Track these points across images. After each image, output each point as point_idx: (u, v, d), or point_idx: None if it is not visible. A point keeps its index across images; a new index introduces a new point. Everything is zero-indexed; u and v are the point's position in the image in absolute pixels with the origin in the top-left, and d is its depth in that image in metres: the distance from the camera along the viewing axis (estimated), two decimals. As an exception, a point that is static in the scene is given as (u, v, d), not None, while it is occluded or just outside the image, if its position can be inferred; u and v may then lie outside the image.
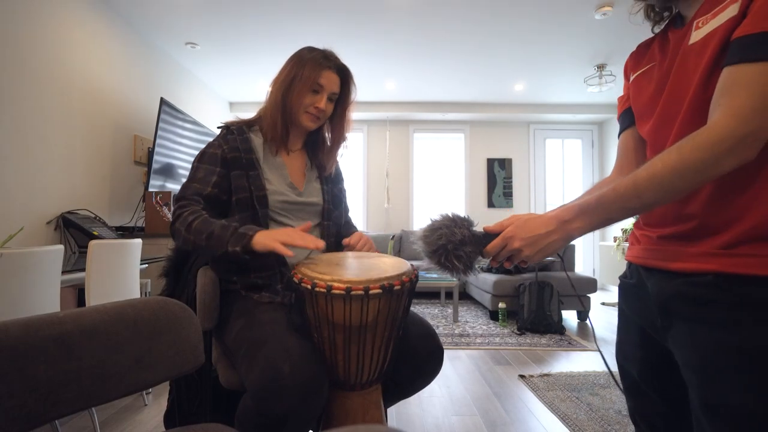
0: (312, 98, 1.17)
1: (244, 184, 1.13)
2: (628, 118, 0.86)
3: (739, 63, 0.59)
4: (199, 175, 1.13)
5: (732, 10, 0.62)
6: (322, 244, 0.99)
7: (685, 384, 0.69)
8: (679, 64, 0.70)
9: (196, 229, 1.02)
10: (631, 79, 0.85)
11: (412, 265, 1.02)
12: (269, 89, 1.20)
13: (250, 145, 1.18)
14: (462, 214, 0.81)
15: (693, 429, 0.68)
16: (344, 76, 1.22)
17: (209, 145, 1.18)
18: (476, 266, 0.81)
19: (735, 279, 0.62)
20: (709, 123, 0.61)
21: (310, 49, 1.20)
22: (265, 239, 0.96)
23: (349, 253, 1.16)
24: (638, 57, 0.85)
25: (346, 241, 1.22)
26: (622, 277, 0.87)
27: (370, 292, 0.87)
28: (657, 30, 0.82)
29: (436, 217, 0.82)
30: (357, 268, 0.99)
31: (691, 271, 0.67)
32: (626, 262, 0.87)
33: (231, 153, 1.15)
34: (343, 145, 1.30)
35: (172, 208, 1.12)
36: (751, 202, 0.62)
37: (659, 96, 0.74)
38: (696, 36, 0.68)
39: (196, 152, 4.06)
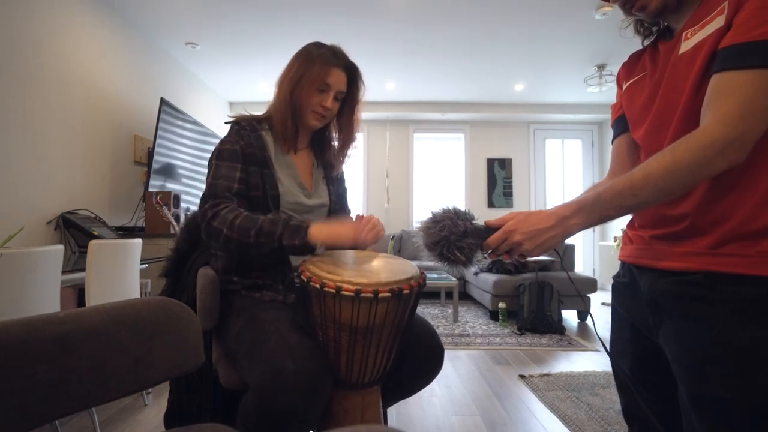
0: (319, 97, 1.14)
1: (258, 182, 1.11)
2: (621, 124, 0.90)
3: (726, 71, 0.63)
4: (222, 173, 1.09)
5: (718, 22, 0.66)
6: (381, 232, 1.06)
7: (674, 380, 0.71)
8: (670, 72, 0.74)
9: (240, 227, 0.99)
10: (624, 87, 0.89)
11: (419, 268, 1.02)
12: (276, 86, 1.18)
13: (262, 143, 1.16)
14: (462, 207, 0.82)
15: (683, 425, 0.70)
16: (352, 74, 1.20)
17: (224, 141, 1.15)
18: (475, 260, 0.81)
19: (723, 278, 0.65)
20: (701, 127, 0.64)
21: (318, 45, 1.17)
22: (322, 235, 0.99)
23: (357, 252, 1.15)
24: (630, 67, 0.89)
25: (358, 216, 1.22)
26: (616, 277, 0.90)
27: (380, 295, 0.87)
28: (647, 43, 0.86)
29: (437, 210, 0.82)
30: (366, 269, 0.98)
31: (678, 269, 0.70)
32: (619, 262, 0.90)
33: (248, 149, 1.13)
34: (352, 145, 1.29)
35: (203, 207, 1.07)
36: (737, 202, 0.66)
37: (652, 103, 0.77)
38: (685, 46, 0.72)
39: (196, 152, 4.08)
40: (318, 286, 0.90)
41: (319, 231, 0.99)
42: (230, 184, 1.08)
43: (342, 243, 1.01)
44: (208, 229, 1.04)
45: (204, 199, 1.08)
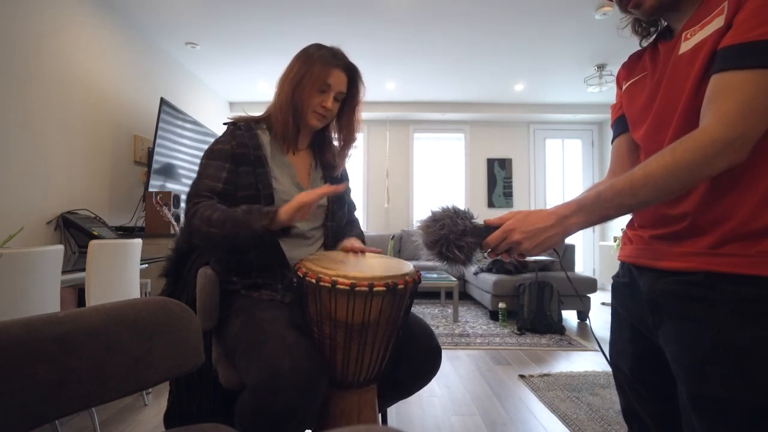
0: (320, 98, 1.16)
1: (250, 181, 1.12)
2: (621, 125, 0.90)
3: (726, 71, 0.63)
4: (210, 172, 1.12)
5: (718, 22, 0.66)
6: (341, 187, 1.08)
7: (674, 380, 0.71)
8: (670, 72, 0.74)
9: (217, 221, 1.02)
10: (624, 87, 0.89)
11: (415, 266, 1.03)
12: (277, 87, 1.19)
13: (258, 142, 1.17)
14: (462, 206, 0.82)
15: (682, 425, 0.70)
16: (352, 75, 1.21)
17: (217, 141, 1.17)
18: (474, 259, 0.81)
19: (723, 278, 0.65)
20: (701, 127, 0.64)
21: (319, 47, 1.19)
22: (287, 208, 0.99)
23: (352, 252, 1.16)
24: (630, 67, 0.89)
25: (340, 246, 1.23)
26: (615, 277, 0.90)
27: (375, 289, 0.88)
28: (645, 43, 0.86)
29: (437, 208, 0.82)
30: (361, 265, 0.99)
31: (678, 269, 0.70)
32: (619, 262, 0.90)
33: (239, 149, 1.14)
34: (352, 146, 1.30)
35: (186, 207, 1.11)
36: (737, 202, 0.65)
37: (652, 103, 0.77)
38: (685, 46, 0.72)
39: (196, 152, 4.08)
40: (314, 280, 0.90)
41: (285, 207, 1.00)
42: (215, 183, 1.11)
43: (306, 205, 0.99)
44: (189, 227, 1.07)
45: (188, 196, 1.11)
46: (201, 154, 4.21)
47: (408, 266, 1.01)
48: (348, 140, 1.28)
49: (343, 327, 0.92)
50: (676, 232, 0.72)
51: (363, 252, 1.17)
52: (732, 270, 0.64)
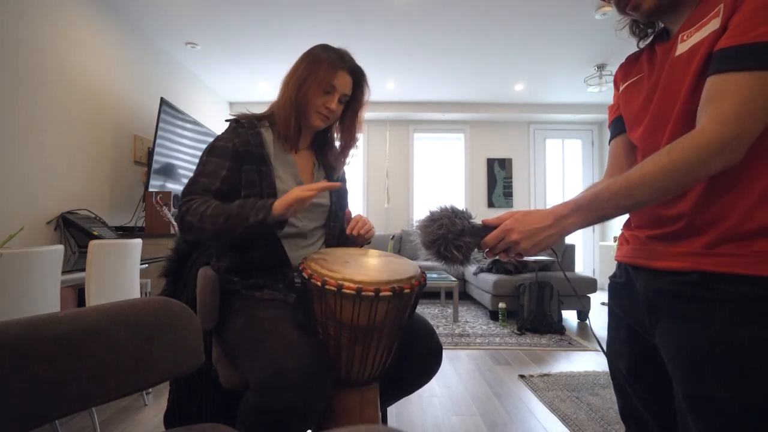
0: (324, 98, 1.16)
1: (254, 179, 1.12)
2: (618, 126, 0.91)
3: (722, 73, 0.63)
4: (208, 169, 1.11)
5: (714, 24, 0.67)
6: (338, 184, 1.07)
7: (671, 380, 0.71)
8: (667, 74, 0.74)
9: (210, 215, 1.01)
10: (621, 89, 0.89)
11: (420, 267, 1.02)
12: (282, 85, 1.19)
13: (261, 140, 1.16)
14: (460, 206, 0.82)
15: (678, 425, 0.70)
16: (357, 77, 1.21)
17: (219, 138, 1.16)
18: (473, 258, 0.81)
19: (720, 278, 0.65)
20: (697, 128, 0.64)
21: (325, 48, 1.18)
22: (282, 202, 0.98)
23: (358, 251, 1.15)
24: (627, 68, 0.89)
25: (349, 229, 1.22)
26: (612, 277, 0.91)
27: (381, 294, 0.88)
28: (642, 45, 0.87)
29: (435, 209, 0.83)
30: (367, 268, 0.98)
31: (674, 269, 0.70)
32: (616, 262, 0.90)
33: (243, 147, 1.13)
34: (353, 147, 1.30)
35: (179, 203, 1.11)
36: (734, 202, 0.66)
37: (649, 104, 0.77)
38: (682, 48, 0.72)
39: (197, 152, 4.08)
40: (319, 283, 0.90)
41: (280, 201, 0.99)
42: (212, 181, 1.10)
43: (301, 200, 0.98)
44: (182, 224, 1.06)
45: (183, 193, 1.10)
46: (201, 153, 4.21)
47: (414, 268, 1.00)
48: (349, 143, 1.29)
49: (348, 329, 0.92)
50: (672, 232, 0.72)
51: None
52: (728, 270, 0.64)
